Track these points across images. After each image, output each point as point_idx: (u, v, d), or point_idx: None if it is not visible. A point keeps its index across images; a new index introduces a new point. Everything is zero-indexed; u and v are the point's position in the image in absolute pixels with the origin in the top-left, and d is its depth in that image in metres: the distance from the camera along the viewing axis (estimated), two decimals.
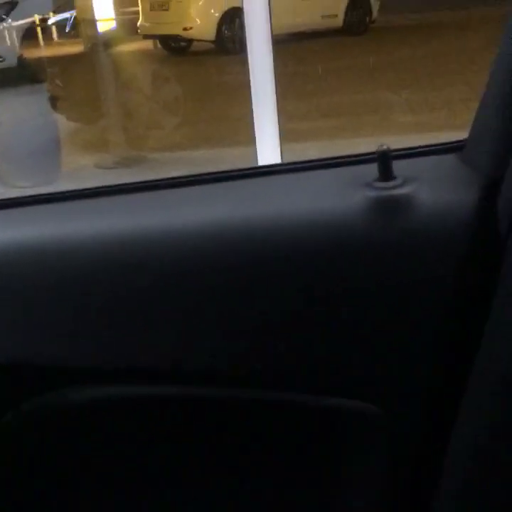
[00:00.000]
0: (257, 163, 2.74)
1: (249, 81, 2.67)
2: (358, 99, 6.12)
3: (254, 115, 2.74)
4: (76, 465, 0.99)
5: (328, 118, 5.65)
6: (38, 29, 10.32)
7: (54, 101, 6.46)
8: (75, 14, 9.95)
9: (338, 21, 10.20)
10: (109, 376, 0.92)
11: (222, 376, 0.91)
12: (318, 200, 0.86)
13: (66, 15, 10.33)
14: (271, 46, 2.65)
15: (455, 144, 0.89)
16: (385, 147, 0.80)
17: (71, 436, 0.97)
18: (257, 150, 2.75)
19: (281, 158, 2.74)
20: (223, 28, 9.27)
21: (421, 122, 5.23)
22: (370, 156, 0.84)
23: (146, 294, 0.87)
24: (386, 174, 0.80)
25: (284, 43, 7.89)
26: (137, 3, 10.17)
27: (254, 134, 2.75)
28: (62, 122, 5.87)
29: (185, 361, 0.90)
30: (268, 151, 2.75)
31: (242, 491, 0.98)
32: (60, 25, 10.49)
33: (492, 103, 0.81)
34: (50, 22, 10.58)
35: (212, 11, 9.45)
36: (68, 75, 8.03)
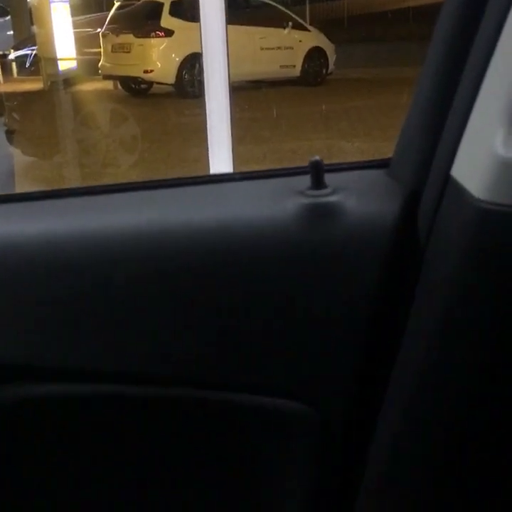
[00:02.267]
0: None
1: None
2: (312, 145, 6.28)
3: (210, 157, 2.80)
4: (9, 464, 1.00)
5: (283, 162, 5.77)
6: None
7: (10, 135, 6.43)
8: (35, 51, 9.99)
9: (296, 71, 10.48)
10: (51, 374, 0.94)
11: (150, 375, 0.94)
12: (254, 206, 0.93)
13: (27, 51, 10.35)
14: (228, 92, 2.73)
15: (383, 161, 0.97)
16: (317, 158, 0.88)
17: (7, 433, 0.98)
18: None
19: None
20: (184, 72, 9.41)
21: None
22: (305, 169, 0.91)
23: (90, 293, 0.91)
24: (317, 183, 0.87)
25: (243, 90, 8.06)
26: (99, 44, 10.26)
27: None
28: (18, 156, 5.84)
29: (116, 361, 0.93)
30: None
31: (162, 489, 1.01)
32: (20, 61, 10.49)
33: (414, 123, 0.89)
34: (9, 58, 10.57)
35: (174, 55, 9.60)
36: (26, 111, 8.02)
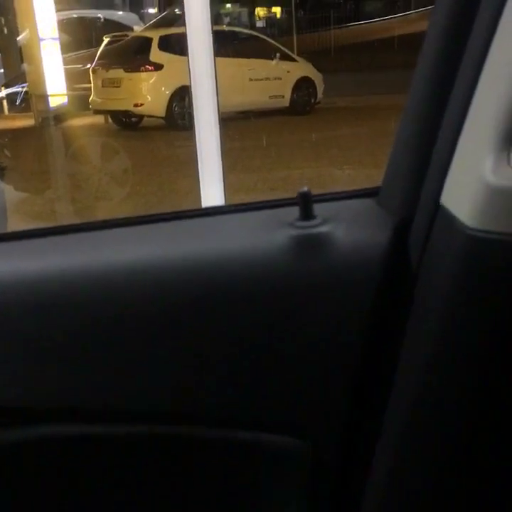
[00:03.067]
0: None
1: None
2: (303, 174, 6.32)
3: (201, 188, 2.81)
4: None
5: (274, 191, 5.80)
6: None
7: (1, 171, 6.45)
8: (26, 88, 10.07)
9: (285, 101, 10.60)
10: (37, 415, 0.92)
11: (146, 413, 0.92)
12: (243, 239, 0.92)
13: (17, 89, 10.44)
14: (218, 123, 2.75)
15: (372, 190, 0.97)
16: (306, 189, 0.87)
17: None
18: None
19: None
20: (174, 104, 9.50)
21: None
22: (294, 200, 0.90)
23: (81, 331, 0.89)
24: (306, 214, 0.87)
25: (233, 121, 8.13)
26: (89, 80, 10.35)
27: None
28: (10, 192, 5.85)
29: (113, 399, 0.91)
30: None
31: None
32: (11, 98, 10.57)
33: (402, 150, 0.88)
34: (0, 95, 10.65)
35: (163, 88, 9.70)
36: (18, 147, 8.05)
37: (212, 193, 2.83)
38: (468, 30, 0.76)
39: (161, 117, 9.71)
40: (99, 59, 10.46)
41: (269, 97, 10.41)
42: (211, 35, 2.67)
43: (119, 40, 10.86)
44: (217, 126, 2.75)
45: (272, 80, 10.60)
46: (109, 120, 10.32)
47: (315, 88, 10.83)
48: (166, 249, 0.93)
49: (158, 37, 10.15)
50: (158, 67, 9.88)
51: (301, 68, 11.04)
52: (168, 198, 5.84)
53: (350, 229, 0.87)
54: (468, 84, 0.74)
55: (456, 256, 0.73)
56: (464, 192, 0.73)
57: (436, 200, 0.78)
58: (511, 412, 0.78)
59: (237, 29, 14.26)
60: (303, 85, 10.76)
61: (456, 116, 0.76)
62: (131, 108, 9.80)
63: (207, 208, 1.07)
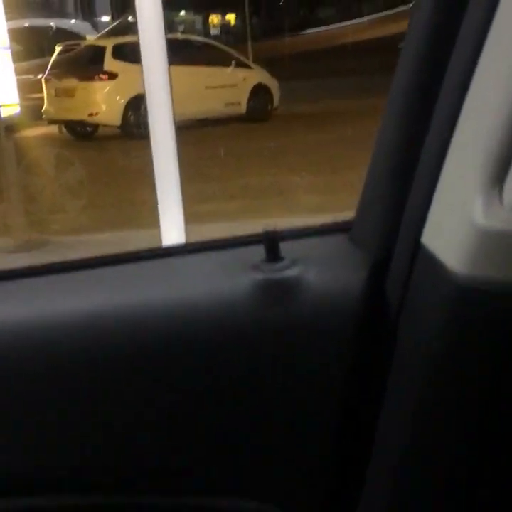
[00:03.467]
0: (161, 245, 2.73)
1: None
2: (262, 181, 6.30)
3: (158, 198, 2.76)
4: None
5: (233, 200, 5.76)
6: None
7: None
8: None
9: (241, 109, 10.60)
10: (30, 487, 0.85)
11: (102, 481, 0.84)
12: (205, 283, 0.83)
13: None
14: (174, 131, 2.70)
15: (343, 225, 0.89)
16: (271, 228, 0.79)
17: None
18: (162, 232, 2.76)
19: (186, 240, 2.76)
20: (129, 113, 9.42)
21: (323, 203, 5.42)
22: (255, 238, 0.83)
23: (19, 385, 0.81)
24: (273, 255, 0.79)
25: (189, 129, 8.08)
26: (42, 89, 10.19)
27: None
28: None
29: (56, 467, 0.83)
30: (173, 233, 2.76)
31: None
32: None
33: (375, 181, 0.81)
34: None
35: (118, 97, 9.61)
36: None
37: (169, 203, 2.78)
38: (453, 38, 0.68)
39: (117, 126, 9.61)
40: (51, 68, 10.32)
41: (226, 104, 10.40)
42: (165, 43, 2.63)
43: (71, 49, 10.74)
44: (173, 135, 2.70)
45: (228, 87, 10.60)
46: (64, 130, 10.18)
47: (271, 95, 10.86)
48: (120, 295, 0.84)
49: (112, 45, 10.07)
50: (112, 76, 9.80)
51: (257, 75, 11.05)
52: (126, 209, 5.75)
53: (321, 271, 0.79)
54: (453, 104, 0.65)
55: (441, 304, 0.65)
56: (448, 233, 0.65)
57: (416, 238, 0.70)
58: (500, 471, 0.71)
59: (191, 37, 14.25)
60: (259, 92, 10.77)
61: (439, 143, 0.67)
62: (85, 118, 9.69)
63: (167, 248, 0.98)
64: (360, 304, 0.77)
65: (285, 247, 0.80)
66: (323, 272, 0.79)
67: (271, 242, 0.79)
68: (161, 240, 2.73)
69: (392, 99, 0.77)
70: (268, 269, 0.78)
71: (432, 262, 0.66)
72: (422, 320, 0.69)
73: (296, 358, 0.78)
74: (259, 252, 0.80)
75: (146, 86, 2.67)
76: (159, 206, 2.78)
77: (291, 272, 0.78)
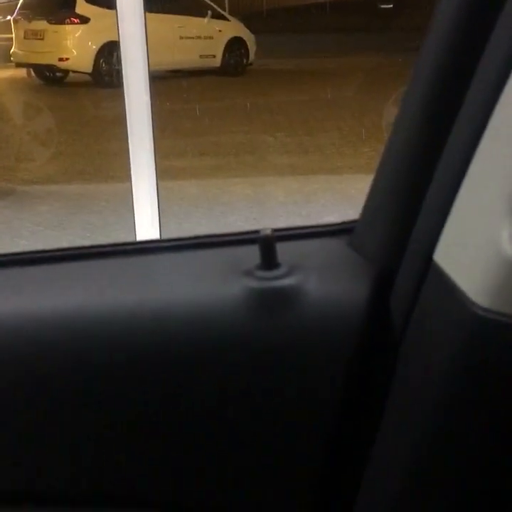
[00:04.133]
0: (132, 199, 2.67)
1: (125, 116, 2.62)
2: (234, 139, 6.21)
3: (130, 150, 2.69)
4: None
5: (205, 157, 5.68)
6: None
7: None
8: None
9: (216, 62, 10.38)
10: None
11: (87, 497, 0.79)
12: (194, 287, 0.75)
13: None
14: (148, 82, 2.62)
15: (341, 226, 0.82)
16: (268, 232, 0.71)
17: None
18: (133, 186, 2.69)
19: (158, 196, 2.70)
20: (101, 60, 9.16)
21: (295, 164, 5.38)
22: (252, 236, 0.75)
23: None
24: (269, 262, 0.71)
25: (162, 80, 7.89)
26: (11, 30, 9.85)
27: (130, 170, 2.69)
28: None
29: (40, 481, 0.78)
30: (144, 187, 2.70)
31: None
32: None
33: (384, 186, 0.73)
34: None
35: (90, 43, 9.32)
36: None
37: (141, 155, 2.71)
38: (483, 45, 0.59)
39: (87, 73, 9.34)
40: (21, 8, 9.94)
41: (200, 56, 10.17)
42: None
43: None
44: (148, 86, 2.62)
45: (203, 39, 10.35)
46: (32, 74, 9.87)
47: (247, 49, 10.65)
48: (98, 294, 0.76)
49: None
50: (84, 20, 9.48)
51: (234, 28, 10.81)
52: (96, 159, 5.63)
53: (321, 281, 0.72)
54: (478, 117, 0.58)
55: (454, 329, 0.59)
56: (466, 256, 0.59)
57: (428, 253, 0.64)
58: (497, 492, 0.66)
59: None
60: (235, 46, 10.55)
61: (460, 154, 0.60)
62: (55, 62, 9.40)
63: (150, 242, 0.87)
64: (363, 319, 0.70)
65: (280, 249, 0.72)
66: (323, 282, 0.73)
67: (267, 247, 0.71)
68: (131, 194, 2.67)
69: (408, 98, 0.69)
70: (263, 277, 0.71)
71: (444, 281, 0.60)
72: (431, 341, 0.64)
73: (290, 371, 0.72)
74: (252, 253, 0.72)
75: (121, 34, 2.57)
76: (131, 158, 2.70)
77: (289, 281, 0.71)
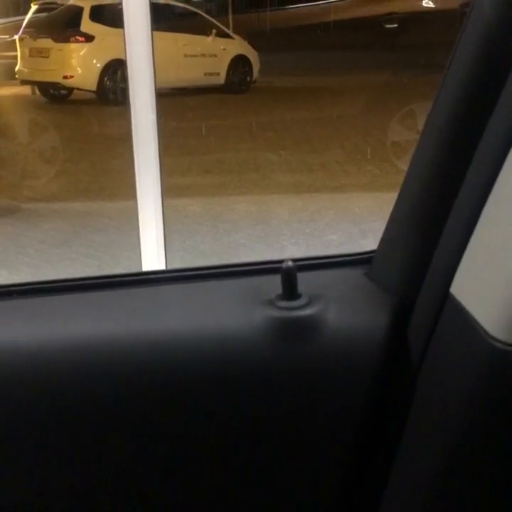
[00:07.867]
0: (137, 217, 2.67)
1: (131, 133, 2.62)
2: (238, 157, 6.21)
3: (136, 168, 2.69)
4: None
5: (209, 174, 5.68)
6: None
7: None
8: None
9: (221, 79, 10.44)
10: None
11: None
12: (216, 317, 0.76)
13: None
14: (154, 100, 2.63)
15: (360, 257, 0.83)
16: (290, 263, 0.73)
17: None
18: (138, 204, 2.69)
19: (163, 213, 2.69)
20: (105, 78, 9.22)
21: (299, 182, 5.38)
22: (271, 266, 0.77)
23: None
24: (290, 293, 0.73)
25: (166, 97, 7.93)
26: (16, 48, 9.93)
27: (136, 188, 2.68)
28: None
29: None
30: (149, 206, 2.69)
31: None
32: None
33: (402, 219, 0.74)
34: None
35: (95, 61, 9.39)
36: None
37: (146, 173, 2.71)
38: (505, 71, 0.59)
39: (92, 91, 9.39)
40: (27, 27, 10.03)
41: (205, 74, 10.23)
42: (148, 6, 2.54)
43: (48, 8, 10.44)
44: (154, 104, 2.63)
45: (208, 56, 10.42)
46: (37, 91, 9.93)
47: (251, 67, 10.71)
48: (117, 323, 0.76)
49: (89, 7, 9.79)
50: (89, 38, 9.55)
51: (238, 46, 10.88)
52: (100, 177, 5.63)
53: (340, 312, 0.74)
54: (497, 146, 0.57)
55: (472, 364, 0.60)
56: (483, 292, 0.59)
57: (445, 286, 0.64)
58: None
59: (172, 2, 13.96)
60: (239, 63, 10.61)
61: (478, 190, 0.59)
62: (60, 80, 9.46)
63: (171, 272, 0.88)
64: (381, 350, 0.72)
65: (300, 278, 0.74)
66: (343, 313, 0.74)
67: (288, 278, 0.73)
68: (137, 212, 2.67)
69: (429, 126, 0.69)
70: (284, 307, 0.73)
71: (461, 315, 0.61)
72: (449, 373, 0.64)
73: (310, 400, 0.73)
74: (272, 283, 0.74)
75: (128, 54, 2.58)
76: (136, 176, 2.70)
77: (309, 311, 0.73)
